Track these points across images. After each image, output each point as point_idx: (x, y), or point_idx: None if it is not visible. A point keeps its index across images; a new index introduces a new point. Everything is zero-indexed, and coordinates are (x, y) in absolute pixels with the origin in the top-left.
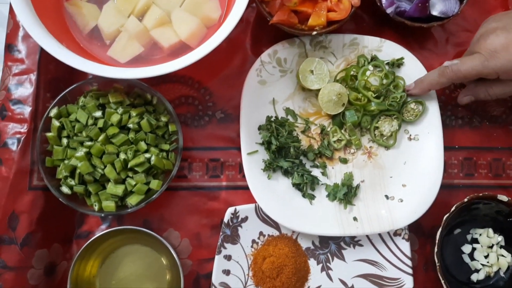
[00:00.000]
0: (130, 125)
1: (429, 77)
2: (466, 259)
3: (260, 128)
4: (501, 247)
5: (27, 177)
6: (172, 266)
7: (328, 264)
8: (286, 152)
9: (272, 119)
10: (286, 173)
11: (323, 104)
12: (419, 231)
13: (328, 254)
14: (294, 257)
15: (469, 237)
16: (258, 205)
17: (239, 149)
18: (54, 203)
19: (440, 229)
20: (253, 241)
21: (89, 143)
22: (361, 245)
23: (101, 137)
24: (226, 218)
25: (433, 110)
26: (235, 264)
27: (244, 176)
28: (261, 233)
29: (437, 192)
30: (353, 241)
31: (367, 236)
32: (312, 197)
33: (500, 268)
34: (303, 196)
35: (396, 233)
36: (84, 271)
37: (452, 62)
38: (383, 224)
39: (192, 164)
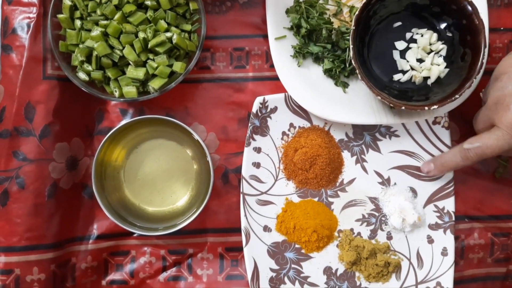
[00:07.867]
0: (148, 2)
1: (451, 161)
2: (396, 56)
3: (287, 11)
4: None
5: (41, 66)
6: (199, 159)
7: (362, 156)
8: (318, 35)
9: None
10: (317, 59)
11: None
12: (460, 119)
13: (363, 146)
14: (328, 147)
15: (408, 35)
16: (288, 94)
17: (265, 36)
18: (71, 93)
19: None
20: (283, 133)
21: (104, 22)
22: (397, 136)
23: (117, 15)
24: (255, 108)
25: None
26: (265, 157)
27: (271, 65)
28: (291, 125)
29: (480, 77)
30: (389, 131)
31: (403, 125)
32: (345, 85)
33: (429, 78)
34: (336, 84)
35: (436, 121)
36: (108, 165)
37: (473, 145)
38: (422, 110)
39: (215, 54)
